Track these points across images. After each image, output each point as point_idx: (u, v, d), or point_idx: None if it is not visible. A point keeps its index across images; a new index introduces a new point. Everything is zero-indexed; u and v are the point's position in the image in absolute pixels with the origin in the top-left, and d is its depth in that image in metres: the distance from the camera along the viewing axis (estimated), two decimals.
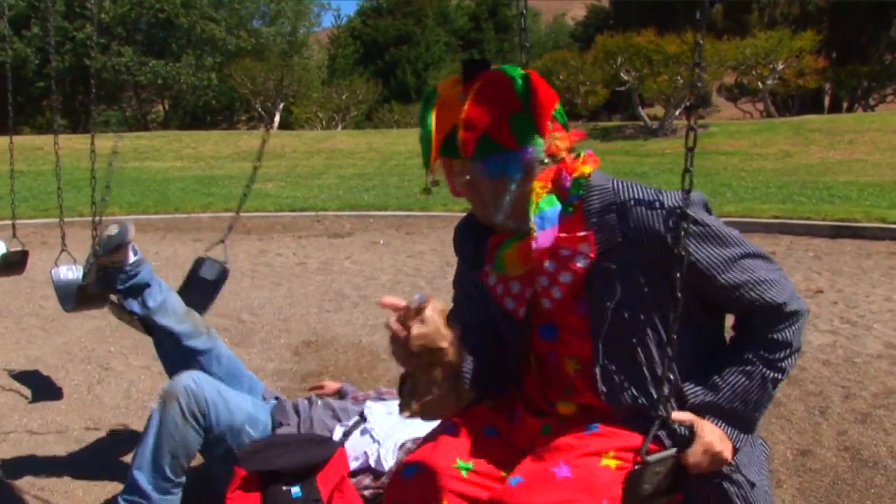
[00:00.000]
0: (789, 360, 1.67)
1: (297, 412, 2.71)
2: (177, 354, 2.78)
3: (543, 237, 1.60)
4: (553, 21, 53.69)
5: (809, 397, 3.60)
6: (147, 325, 2.82)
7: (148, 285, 2.81)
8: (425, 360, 1.53)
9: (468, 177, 1.63)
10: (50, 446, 3.23)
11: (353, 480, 2.48)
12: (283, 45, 37.44)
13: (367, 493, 2.49)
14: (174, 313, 2.80)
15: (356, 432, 2.60)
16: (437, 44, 40.86)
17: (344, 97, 29.22)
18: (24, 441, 3.28)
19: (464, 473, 1.67)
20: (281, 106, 29.63)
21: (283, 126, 29.48)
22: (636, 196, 1.63)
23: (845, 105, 33.08)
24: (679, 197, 1.60)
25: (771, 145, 17.68)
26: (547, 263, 1.65)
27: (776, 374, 1.66)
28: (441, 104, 1.62)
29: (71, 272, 3.87)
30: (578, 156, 1.68)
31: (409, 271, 6.69)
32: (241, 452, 2.42)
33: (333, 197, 11.93)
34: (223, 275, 3.26)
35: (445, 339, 1.51)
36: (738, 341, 1.71)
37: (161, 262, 7.20)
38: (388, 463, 2.49)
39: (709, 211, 1.67)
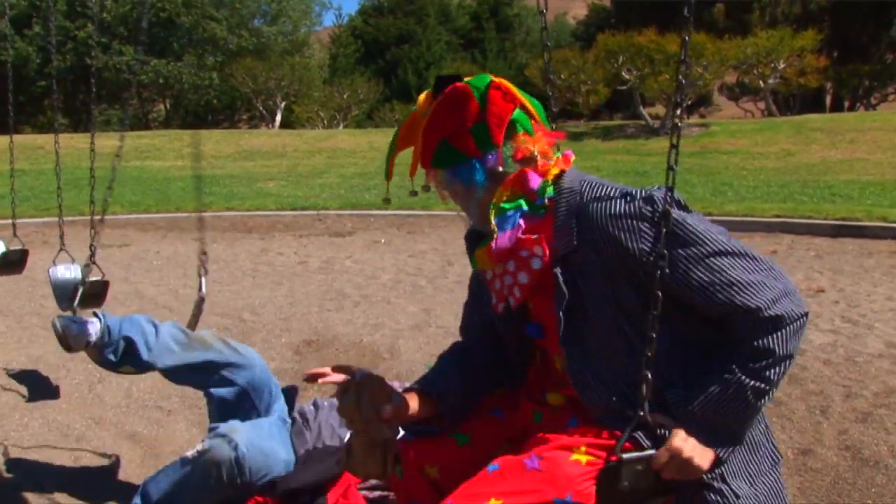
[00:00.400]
0: (772, 370, 1.57)
1: (306, 420, 2.71)
2: (202, 377, 2.64)
3: (502, 238, 1.69)
4: (554, 20, 53.62)
5: (810, 396, 3.60)
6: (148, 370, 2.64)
7: (132, 340, 2.53)
8: (353, 427, 1.70)
9: (443, 185, 1.74)
10: (51, 445, 3.23)
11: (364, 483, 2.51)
12: (285, 45, 37.49)
13: (374, 494, 2.51)
14: (178, 343, 2.59)
15: None
16: (439, 43, 40.83)
17: (345, 96, 29.21)
18: (26, 440, 3.28)
19: (459, 444, 1.79)
20: (282, 105, 29.65)
21: (284, 125, 29.50)
22: (595, 196, 1.65)
23: (847, 104, 33.06)
24: (641, 195, 1.62)
25: (772, 144, 17.66)
26: (510, 264, 1.72)
27: (757, 384, 1.56)
28: (412, 120, 1.75)
29: (69, 271, 3.87)
30: (555, 158, 1.72)
31: (410, 270, 6.69)
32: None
33: (335, 196, 11.93)
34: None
35: (360, 421, 1.66)
36: (721, 347, 1.63)
37: (162, 262, 7.20)
38: None
39: (684, 208, 1.63)
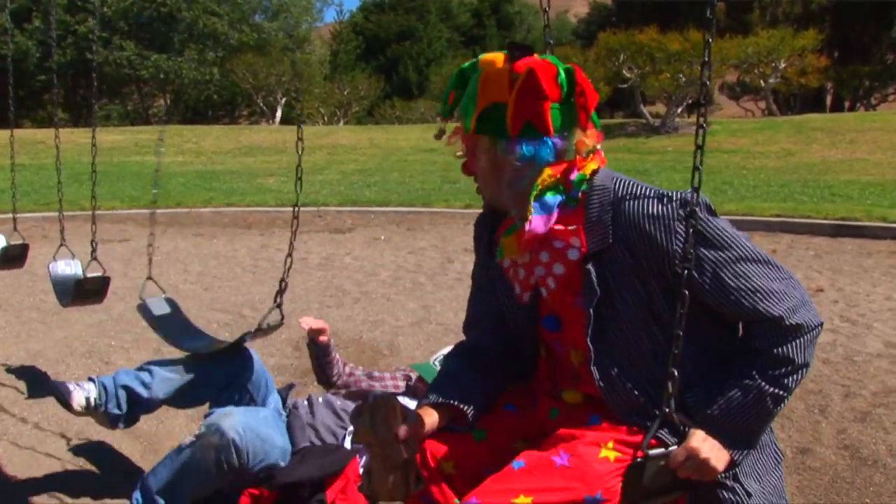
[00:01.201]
0: (791, 377, 1.61)
1: (299, 415, 2.71)
2: (205, 390, 2.68)
3: (537, 222, 1.65)
4: (556, 18, 53.62)
5: (809, 396, 3.60)
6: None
7: (128, 387, 2.58)
8: (371, 450, 1.69)
9: (498, 154, 1.68)
10: (50, 441, 3.23)
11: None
12: (286, 41, 37.41)
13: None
14: (173, 371, 2.63)
15: None
16: (440, 40, 40.83)
17: (346, 93, 29.20)
18: (25, 435, 3.28)
19: (476, 439, 1.78)
20: (283, 101, 29.62)
21: (284, 121, 29.47)
22: (630, 194, 1.65)
23: (847, 104, 33.05)
24: (677, 196, 1.62)
25: (773, 144, 17.66)
26: (543, 254, 1.70)
27: (776, 391, 1.60)
28: (486, 78, 1.66)
29: (69, 267, 3.87)
30: (590, 154, 1.72)
31: (409, 267, 6.69)
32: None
33: (335, 192, 11.93)
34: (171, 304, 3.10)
35: (376, 444, 1.65)
36: (742, 353, 1.67)
37: (162, 257, 7.20)
38: None
39: (712, 213, 1.65)
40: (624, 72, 20.72)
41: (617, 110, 34.27)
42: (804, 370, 1.63)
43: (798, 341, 1.61)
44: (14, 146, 4.28)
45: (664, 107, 22.71)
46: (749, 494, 1.67)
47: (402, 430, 1.65)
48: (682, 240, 1.59)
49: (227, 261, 6.96)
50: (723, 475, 1.63)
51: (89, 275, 3.70)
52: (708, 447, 1.58)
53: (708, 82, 1.65)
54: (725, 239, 1.61)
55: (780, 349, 1.61)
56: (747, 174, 13.70)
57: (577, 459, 1.59)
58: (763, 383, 1.60)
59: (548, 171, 1.65)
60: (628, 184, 1.68)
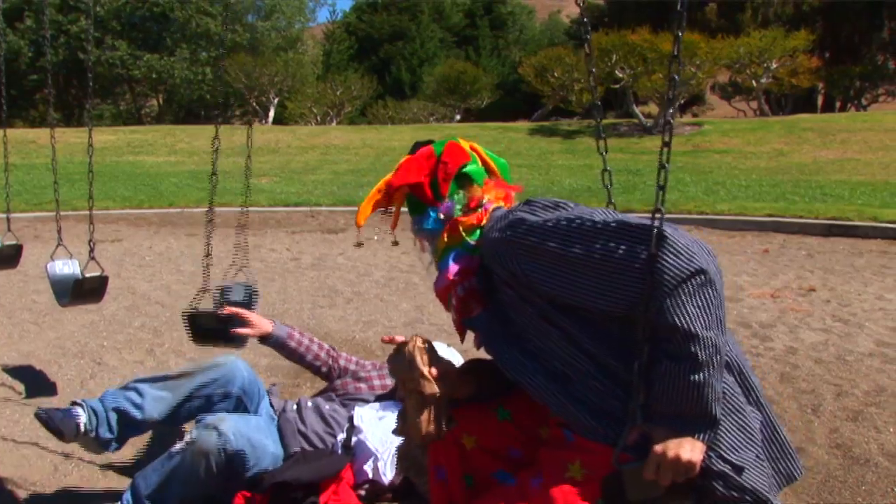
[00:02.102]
0: (690, 345, 1.47)
1: (289, 420, 2.70)
2: (200, 404, 2.65)
3: (438, 279, 1.87)
4: (548, 18, 53.64)
5: (802, 395, 3.62)
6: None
7: (120, 409, 2.54)
8: (406, 387, 1.82)
9: (415, 233, 1.97)
10: (43, 442, 3.22)
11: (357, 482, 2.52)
12: (279, 41, 37.38)
13: (363, 492, 2.51)
14: (164, 389, 2.60)
15: (352, 443, 2.60)
16: (432, 40, 40.83)
17: (338, 93, 29.17)
18: (17, 436, 3.27)
19: (499, 418, 1.91)
20: (276, 101, 29.58)
21: (277, 121, 29.42)
22: (487, 232, 1.79)
23: (838, 104, 33.16)
24: (503, 222, 1.74)
25: (764, 144, 17.72)
26: (451, 303, 1.89)
27: (686, 365, 1.48)
28: (393, 173, 1.98)
29: (67, 267, 3.86)
30: (481, 209, 1.88)
31: (402, 268, 6.69)
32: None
33: (327, 192, 11.91)
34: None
35: (412, 380, 1.78)
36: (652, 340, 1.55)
37: (154, 257, 7.18)
38: (388, 476, 2.49)
39: (554, 206, 1.71)
40: (616, 72, 20.78)
41: (609, 110, 34.30)
42: (699, 330, 1.47)
43: (669, 301, 1.48)
44: (7, 146, 4.27)
45: (656, 107, 22.75)
46: (741, 469, 1.58)
47: (436, 368, 1.79)
48: (510, 257, 1.68)
49: (220, 261, 6.93)
50: (708, 461, 1.56)
51: (88, 274, 3.69)
52: (673, 445, 1.52)
53: (677, 77, 1.61)
54: (540, 247, 1.64)
55: (663, 319, 1.49)
56: (739, 174, 13.75)
57: (548, 480, 1.66)
58: (671, 363, 1.50)
59: (441, 236, 1.87)
60: (491, 223, 1.80)
